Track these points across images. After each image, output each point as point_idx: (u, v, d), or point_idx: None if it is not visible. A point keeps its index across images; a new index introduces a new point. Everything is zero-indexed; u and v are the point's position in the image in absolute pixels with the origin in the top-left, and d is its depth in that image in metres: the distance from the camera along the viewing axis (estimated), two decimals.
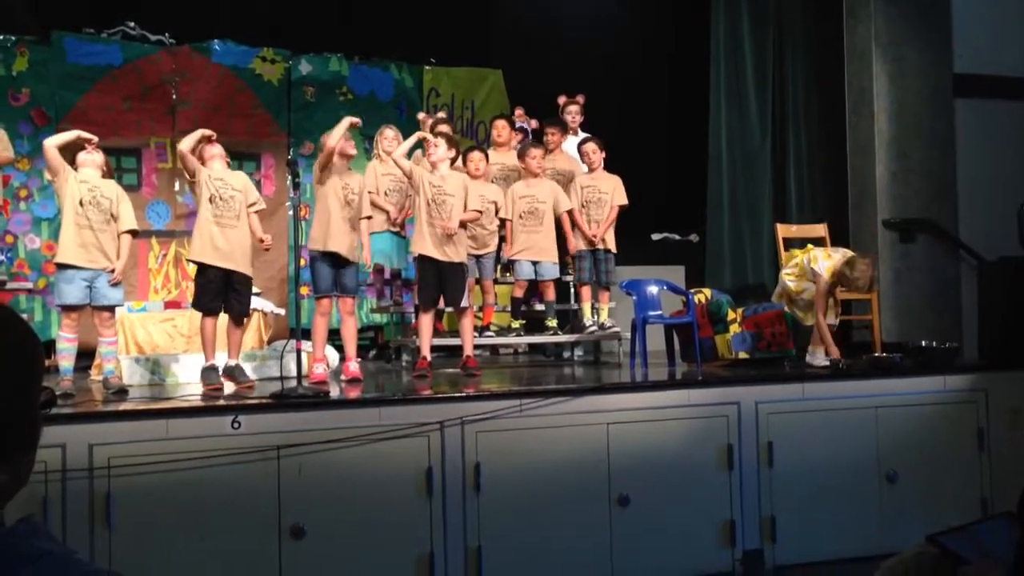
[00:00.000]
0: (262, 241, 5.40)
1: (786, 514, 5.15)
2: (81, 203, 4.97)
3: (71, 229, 4.96)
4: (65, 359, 5.00)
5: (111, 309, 5.10)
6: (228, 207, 5.27)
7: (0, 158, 6.60)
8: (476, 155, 6.54)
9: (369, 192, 6.45)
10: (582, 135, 7.45)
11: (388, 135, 6.85)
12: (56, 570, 1.08)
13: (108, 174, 5.24)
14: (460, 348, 6.07)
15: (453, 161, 6.22)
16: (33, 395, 1.20)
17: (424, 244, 5.81)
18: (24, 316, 7.18)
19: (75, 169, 5.07)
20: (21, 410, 1.17)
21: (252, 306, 6.17)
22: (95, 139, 5.13)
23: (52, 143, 5.00)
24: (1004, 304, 6.23)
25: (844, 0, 8.00)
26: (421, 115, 7.71)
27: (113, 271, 5.05)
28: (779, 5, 8.92)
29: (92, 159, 5.12)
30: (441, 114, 7.97)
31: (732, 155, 8.82)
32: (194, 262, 5.33)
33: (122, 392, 4.92)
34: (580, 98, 7.65)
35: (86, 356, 5.94)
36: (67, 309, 4.99)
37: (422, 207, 5.83)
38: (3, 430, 1.15)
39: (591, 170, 6.89)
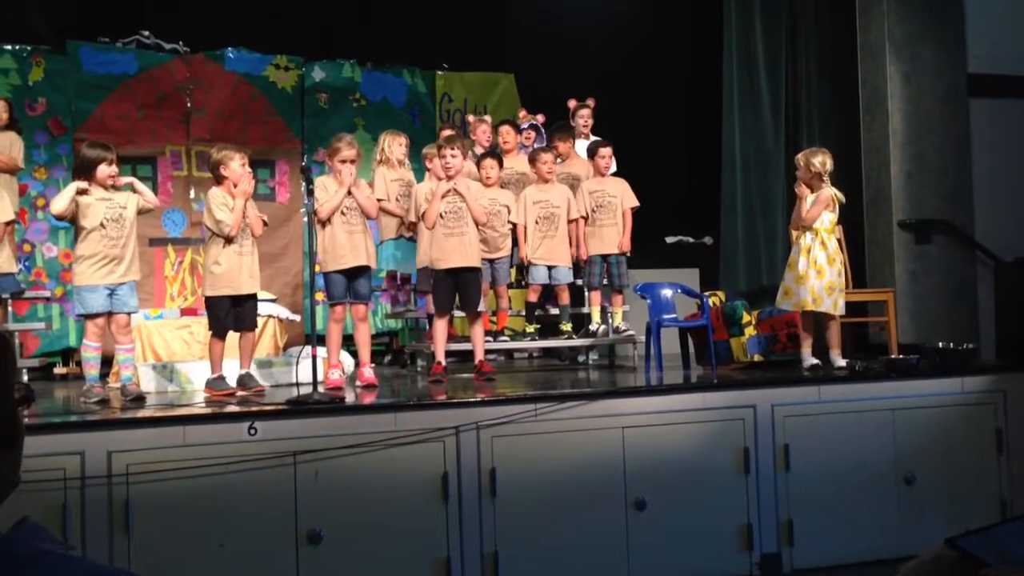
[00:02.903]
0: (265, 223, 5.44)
1: (803, 517, 5.12)
2: (103, 224, 4.96)
3: (94, 250, 4.95)
4: (92, 367, 5.03)
5: (128, 315, 5.13)
6: (246, 234, 5.29)
7: (9, 165, 6.67)
8: (488, 161, 6.55)
9: (379, 199, 6.46)
10: (593, 138, 7.45)
11: (402, 141, 6.85)
12: (59, 570, 1.09)
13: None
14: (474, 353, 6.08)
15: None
16: (8, 392, 1.20)
17: (439, 256, 5.81)
18: (42, 325, 7.28)
19: (90, 183, 5.02)
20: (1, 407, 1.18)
21: (268, 312, 6.21)
22: (89, 187, 5.00)
23: (59, 210, 4.96)
24: (1021, 304, 6.19)
25: None
26: (471, 118, 7.79)
27: (135, 282, 5.10)
28: (792, 5, 8.90)
29: (111, 176, 5.06)
30: (487, 118, 8.01)
31: (746, 156, 8.81)
32: (208, 302, 5.30)
33: (140, 399, 4.94)
34: (591, 102, 7.66)
35: (103, 364, 5.98)
36: (91, 317, 5.00)
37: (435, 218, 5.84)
38: None
39: (601, 175, 6.87)
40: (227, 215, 5.19)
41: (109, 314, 5.03)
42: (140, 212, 5.18)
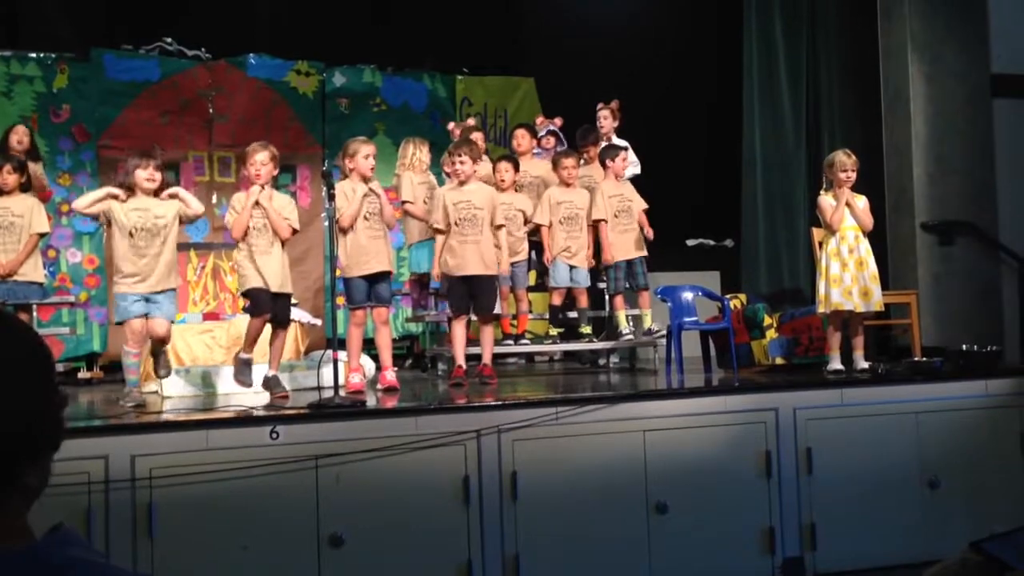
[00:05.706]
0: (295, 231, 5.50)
1: (826, 521, 5.09)
2: (131, 233, 4.98)
3: (126, 259, 4.98)
4: (131, 373, 5.06)
5: (168, 324, 5.11)
6: (263, 235, 5.32)
7: (44, 194, 6.77)
8: (503, 165, 6.55)
9: (406, 202, 6.47)
10: (615, 140, 7.42)
11: (427, 147, 6.83)
12: None
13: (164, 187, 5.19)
14: (496, 357, 6.07)
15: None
16: (54, 395, 1.22)
17: (456, 263, 5.80)
18: (67, 330, 7.34)
19: (132, 190, 5.05)
20: (47, 410, 1.19)
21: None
22: (122, 194, 5.04)
23: (81, 206, 5.06)
24: None
25: (878, 0, 7.92)
26: (451, 125, 7.72)
27: (173, 290, 5.13)
28: (812, 6, 8.87)
29: (148, 179, 5.06)
30: (471, 121, 7.95)
31: (767, 158, 8.77)
32: (247, 293, 5.33)
33: (140, 405, 4.93)
34: (614, 104, 7.65)
35: (117, 369, 6.03)
36: (127, 322, 5.01)
37: (450, 226, 5.84)
38: (35, 432, 1.16)
39: (618, 177, 6.85)
40: (231, 216, 5.28)
41: (146, 317, 5.02)
42: (183, 221, 5.23)
